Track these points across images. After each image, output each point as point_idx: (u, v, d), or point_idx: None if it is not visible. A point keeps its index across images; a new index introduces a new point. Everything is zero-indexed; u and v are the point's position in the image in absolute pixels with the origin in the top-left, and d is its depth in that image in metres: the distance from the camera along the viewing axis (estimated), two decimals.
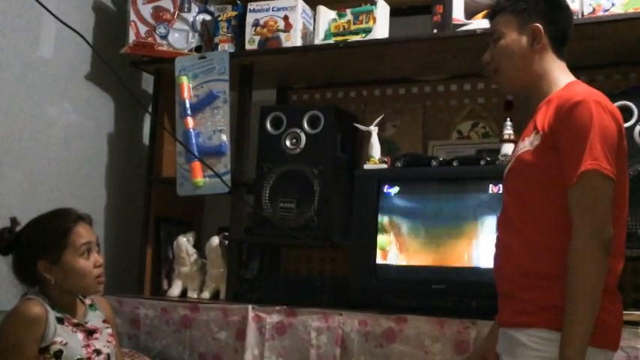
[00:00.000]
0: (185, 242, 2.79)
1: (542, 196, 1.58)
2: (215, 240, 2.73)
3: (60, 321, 1.88)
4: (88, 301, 2.03)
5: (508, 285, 1.63)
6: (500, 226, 1.70)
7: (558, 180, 1.54)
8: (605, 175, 1.49)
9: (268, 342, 2.37)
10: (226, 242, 2.73)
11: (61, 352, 1.83)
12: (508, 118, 2.44)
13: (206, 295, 2.73)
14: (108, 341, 1.98)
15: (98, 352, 1.92)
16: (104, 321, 2.04)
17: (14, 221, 1.97)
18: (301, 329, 2.34)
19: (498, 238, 1.70)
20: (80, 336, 1.91)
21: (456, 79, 2.84)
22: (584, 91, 1.60)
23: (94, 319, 2.00)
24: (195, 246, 2.82)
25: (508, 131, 2.41)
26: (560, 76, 1.69)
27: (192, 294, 2.77)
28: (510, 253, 1.63)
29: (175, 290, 2.78)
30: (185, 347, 2.49)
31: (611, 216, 1.51)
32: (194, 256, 2.79)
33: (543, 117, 1.61)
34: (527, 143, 1.63)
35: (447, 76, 2.84)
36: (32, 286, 1.93)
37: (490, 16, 1.78)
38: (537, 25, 1.68)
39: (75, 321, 1.93)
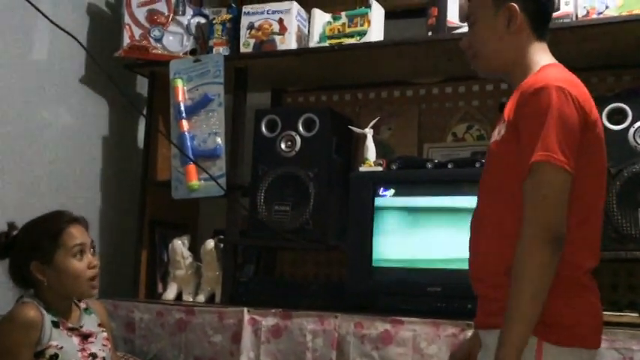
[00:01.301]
0: (180, 245, 2.78)
1: (508, 190, 1.48)
2: (210, 243, 2.73)
3: (55, 325, 1.87)
4: (82, 305, 2.03)
5: (480, 285, 1.57)
6: (472, 225, 1.63)
7: (522, 172, 1.43)
8: (558, 167, 1.38)
9: (264, 345, 2.37)
10: (221, 245, 2.73)
11: (56, 355, 1.82)
12: None
13: (201, 298, 2.73)
14: (103, 345, 1.98)
15: (94, 355, 1.92)
16: (99, 325, 2.03)
17: (12, 226, 1.97)
18: (297, 332, 2.34)
19: (471, 236, 1.63)
20: (75, 340, 1.90)
21: (450, 82, 2.85)
22: (550, 76, 1.48)
23: (89, 323, 1.99)
24: (190, 249, 2.82)
25: None
26: (537, 59, 1.57)
27: (188, 297, 2.76)
28: (480, 251, 1.57)
29: (170, 293, 2.77)
30: (180, 351, 2.48)
31: (575, 209, 1.42)
32: (189, 260, 2.78)
33: (510, 105, 1.52)
34: (496, 133, 1.56)
35: (442, 78, 2.85)
36: (27, 288, 1.93)
37: None
38: (512, 4, 1.57)
39: (70, 325, 1.92)
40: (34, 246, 1.90)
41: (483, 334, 1.55)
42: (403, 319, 2.22)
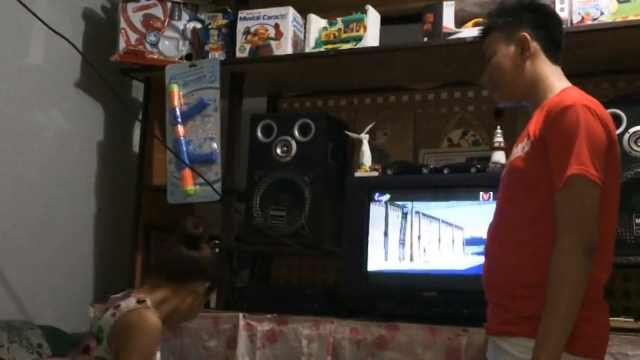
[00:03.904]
0: None
1: (530, 204, 1.57)
2: None
3: None
4: None
5: (495, 294, 1.62)
6: (490, 235, 1.70)
7: (547, 187, 1.53)
8: (591, 181, 1.47)
9: (259, 350, 2.36)
10: (217, 250, 2.72)
11: None
12: (498, 126, 2.45)
13: None
14: None
15: None
16: None
17: (203, 224, 1.97)
18: (292, 337, 2.33)
19: (487, 247, 1.70)
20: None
21: (446, 87, 2.85)
22: (575, 96, 1.58)
23: None
24: None
25: (498, 139, 2.42)
26: (555, 82, 1.68)
27: None
28: (497, 262, 1.63)
29: None
30: (176, 356, 2.47)
31: (598, 223, 1.50)
32: None
33: (535, 123, 1.61)
34: (520, 149, 1.64)
35: (438, 84, 2.86)
36: (156, 286, 1.89)
37: (481, 39, 1.81)
38: (523, 34, 1.69)
39: None
40: (212, 267, 1.94)
41: (498, 340, 1.59)
42: (399, 324, 2.22)
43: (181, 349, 2.48)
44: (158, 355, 1.86)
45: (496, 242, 1.66)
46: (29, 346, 2.26)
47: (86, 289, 2.91)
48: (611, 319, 1.81)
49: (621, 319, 2.11)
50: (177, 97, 2.76)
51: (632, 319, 2.11)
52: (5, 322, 2.32)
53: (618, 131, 2.17)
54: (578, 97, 1.58)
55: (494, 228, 1.68)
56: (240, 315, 2.42)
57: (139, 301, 1.80)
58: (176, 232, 1.94)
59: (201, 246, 1.94)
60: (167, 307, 1.87)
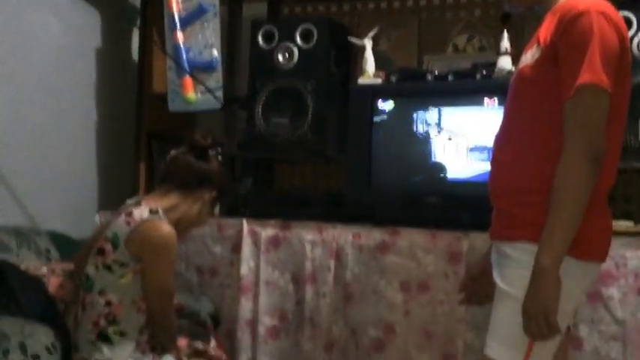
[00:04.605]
0: None
1: (539, 112, 1.56)
2: None
3: None
4: None
5: (501, 202, 1.63)
6: (497, 143, 1.69)
7: (557, 95, 1.51)
8: (602, 90, 1.46)
9: (263, 255, 2.41)
10: (219, 157, 2.72)
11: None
12: (505, 31, 2.39)
13: None
14: None
15: None
16: None
17: (216, 142, 2.05)
18: (296, 242, 2.38)
19: (493, 155, 1.69)
20: None
21: None
22: (589, 1, 1.53)
23: None
24: None
25: (505, 44, 2.36)
26: None
27: None
28: (504, 169, 1.63)
29: None
30: (182, 260, 2.52)
31: (606, 131, 1.49)
32: None
33: (546, 29, 1.57)
34: (529, 56, 1.60)
35: None
36: (169, 191, 1.97)
37: None
38: None
39: None
40: (219, 177, 2.03)
41: (501, 245, 1.61)
42: (400, 229, 2.25)
43: (187, 254, 2.53)
44: None
45: (502, 150, 1.65)
46: (38, 251, 2.30)
47: (91, 197, 2.93)
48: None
49: (622, 222, 2.14)
50: (176, 1, 2.69)
51: (632, 223, 2.14)
52: (13, 227, 2.34)
53: (628, 35, 2.13)
54: (592, 1, 1.53)
55: (501, 136, 1.68)
56: (244, 221, 2.45)
57: (151, 211, 1.89)
58: (185, 142, 2.03)
59: (209, 157, 2.02)
60: (176, 213, 1.96)
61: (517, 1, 1.72)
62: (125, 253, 1.84)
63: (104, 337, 1.85)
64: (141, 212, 1.88)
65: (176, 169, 2.00)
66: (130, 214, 1.88)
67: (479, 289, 1.82)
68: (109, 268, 1.85)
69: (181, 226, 1.97)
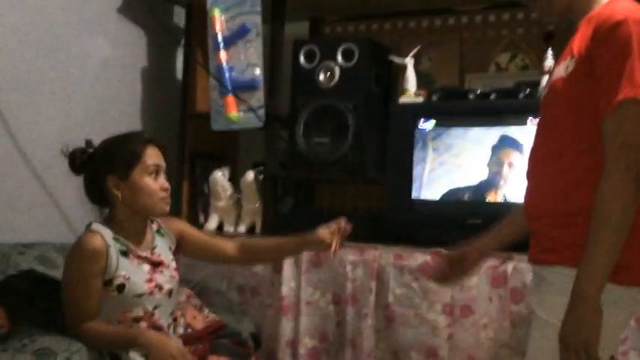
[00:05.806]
0: (220, 177, 2.81)
1: (575, 128, 1.48)
2: (250, 175, 2.75)
3: (124, 254, 1.90)
4: (154, 227, 2.05)
5: (536, 223, 1.57)
6: (531, 160, 1.62)
7: (591, 111, 1.42)
8: None
9: (305, 275, 2.41)
10: (261, 177, 2.74)
11: (123, 286, 1.87)
12: (549, 49, 2.36)
13: (242, 229, 2.77)
14: (172, 276, 2.00)
15: (160, 287, 1.94)
16: (170, 248, 2.06)
17: (89, 143, 2.00)
18: (337, 263, 2.37)
19: (527, 174, 1.63)
20: (145, 268, 1.93)
21: (494, 9, 2.75)
22: (627, 9, 1.44)
23: (161, 246, 2.02)
24: (230, 181, 2.84)
25: (549, 63, 2.34)
26: None
27: (229, 228, 2.80)
28: (537, 190, 1.57)
29: (212, 224, 2.82)
30: (224, 279, 2.54)
31: None
32: (229, 191, 2.81)
33: (580, 39, 1.49)
34: (562, 68, 1.52)
35: (485, 5, 2.75)
36: (101, 205, 1.97)
37: None
38: None
39: (141, 253, 1.94)
40: (113, 160, 1.93)
41: (539, 269, 1.56)
42: (443, 250, 2.23)
43: (229, 273, 2.55)
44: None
45: (536, 169, 1.59)
46: None
47: None
48: None
49: None
50: (219, 22, 2.73)
51: None
52: (60, 244, 2.39)
53: None
54: (630, 10, 1.43)
55: (534, 155, 1.61)
56: None
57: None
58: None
59: (80, 163, 1.98)
60: (117, 215, 1.94)
61: (548, 9, 1.63)
62: None
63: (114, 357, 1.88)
64: None
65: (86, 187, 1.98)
66: None
67: (453, 273, 1.82)
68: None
69: (140, 216, 1.95)
